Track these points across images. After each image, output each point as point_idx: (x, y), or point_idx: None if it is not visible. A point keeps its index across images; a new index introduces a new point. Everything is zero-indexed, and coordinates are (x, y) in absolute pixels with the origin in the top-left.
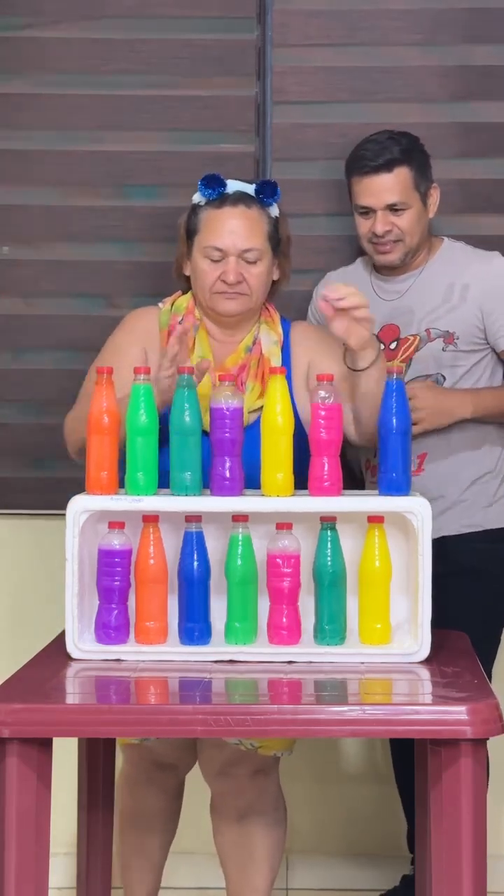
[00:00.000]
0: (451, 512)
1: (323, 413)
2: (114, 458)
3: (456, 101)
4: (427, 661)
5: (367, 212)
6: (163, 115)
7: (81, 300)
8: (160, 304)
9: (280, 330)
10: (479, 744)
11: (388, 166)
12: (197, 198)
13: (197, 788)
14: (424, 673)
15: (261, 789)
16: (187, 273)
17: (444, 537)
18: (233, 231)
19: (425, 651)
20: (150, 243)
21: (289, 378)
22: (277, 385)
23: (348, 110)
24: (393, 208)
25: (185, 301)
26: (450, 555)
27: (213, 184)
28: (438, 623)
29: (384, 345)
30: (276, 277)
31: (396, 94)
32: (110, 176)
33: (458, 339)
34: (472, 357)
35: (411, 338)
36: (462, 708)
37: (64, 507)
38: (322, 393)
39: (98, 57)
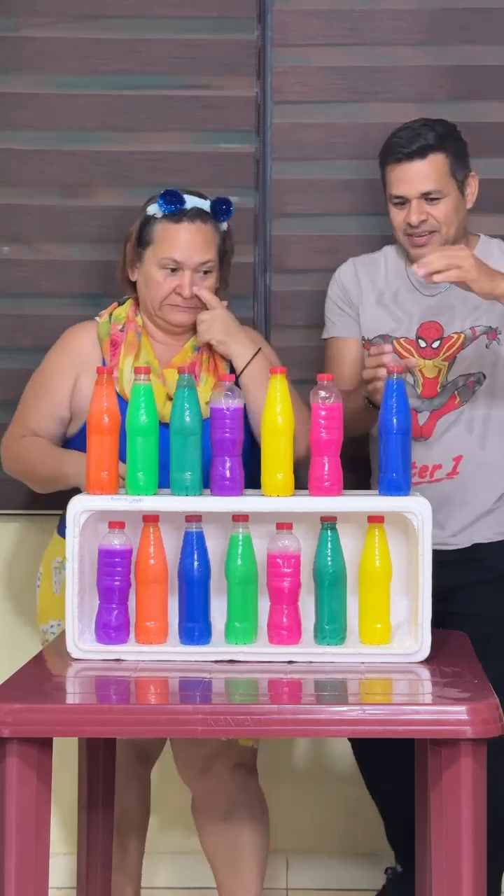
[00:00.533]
0: (487, 518)
1: (323, 413)
2: (114, 458)
3: (456, 101)
4: (427, 661)
5: (402, 202)
6: (163, 115)
7: (81, 300)
8: (97, 318)
9: None
10: (479, 744)
11: (421, 153)
12: (154, 210)
13: (181, 787)
14: (424, 673)
15: (243, 785)
16: (133, 279)
17: (476, 544)
18: (190, 245)
19: (425, 651)
20: None
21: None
22: (277, 385)
23: (348, 110)
24: (428, 197)
25: (123, 311)
26: (484, 561)
27: (173, 200)
28: (471, 630)
29: (426, 342)
30: (218, 286)
31: (396, 94)
32: (110, 176)
33: (500, 333)
34: None
35: (455, 336)
36: (462, 708)
37: (64, 507)
38: (322, 393)
39: (98, 57)
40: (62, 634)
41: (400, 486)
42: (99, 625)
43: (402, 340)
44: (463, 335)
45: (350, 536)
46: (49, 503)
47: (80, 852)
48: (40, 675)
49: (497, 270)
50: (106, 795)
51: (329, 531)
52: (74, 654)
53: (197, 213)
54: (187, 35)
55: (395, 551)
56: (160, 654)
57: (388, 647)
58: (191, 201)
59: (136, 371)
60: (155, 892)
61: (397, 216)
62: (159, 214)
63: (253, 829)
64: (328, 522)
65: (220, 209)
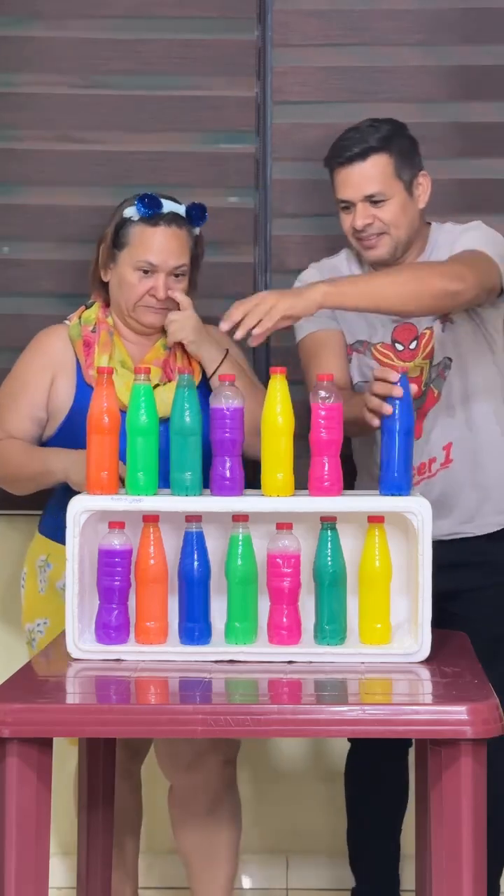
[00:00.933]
0: (497, 498)
1: (323, 413)
2: (114, 458)
3: (456, 101)
4: (427, 661)
5: (347, 205)
6: (163, 115)
7: (81, 300)
8: (66, 321)
9: None
10: (479, 744)
11: (362, 155)
12: (130, 212)
13: (163, 788)
14: (424, 673)
15: (228, 781)
16: (106, 279)
17: (491, 536)
18: (165, 249)
19: (425, 651)
20: None
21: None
22: (277, 385)
23: (348, 110)
24: (372, 199)
25: (92, 313)
26: (498, 563)
27: (151, 204)
28: (481, 632)
29: (403, 346)
30: (188, 288)
31: (396, 94)
32: (110, 176)
33: (451, 313)
34: (466, 325)
35: (427, 331)
36: (462, 708)
37: (41, 507)
38: (322, 393)
39: (98, 57)
40: (61, 634)
41: (401, 486)
42: (99, 625)
43: (379, 346)
44: (432, 329)
45: (350, 536)
46: (26, 503)
47: (80, 852)
48: (40, 675)
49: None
50: (106, 795)
51: (329, 531)
52: (74, 654)
53: (173, 218)
54: (187, 35)
55: (395, 551)
56: (160, 654)
57: (388, 647)
58: (167, 206)
59: (136, 371)
60: (152, 891)
61: (345, 220)
62: (136, 217)
63: (230, 826)
64: (328, 522)
65: (195, 214)
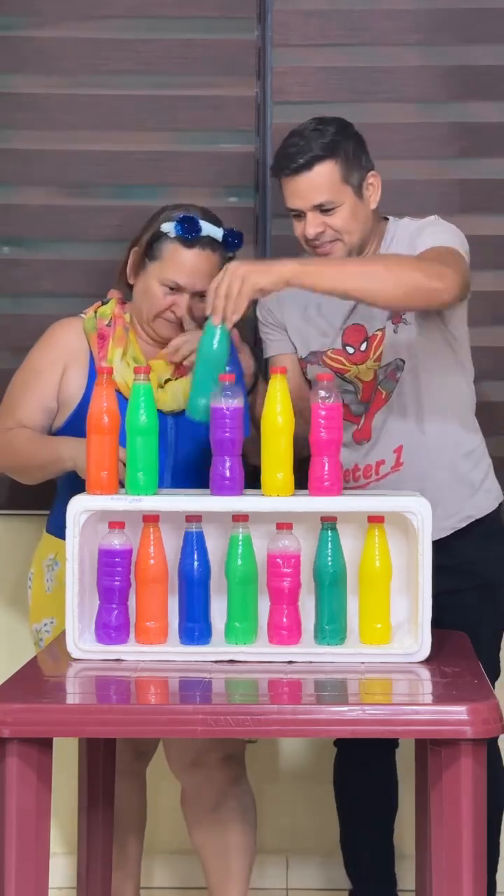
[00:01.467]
0: (448, 503)
1: (323, 413)
2: (114, 457)
3: (456, 101)
4: (427, 661)
5: (298, 214)
6: (163, 115)
7: (81, 300)
8: (82, 315)
9: None
10: (479, 744)
11: (308, 165)
12: (168, 228)
13: (178, 786)
14: (424, 673)
15: (233, 777)
16: (132, 283)
17: (450, 540)
18: (195, 272)
19: (425, 651)
20: None
21: None
22: (277, 385)
23: (348, 110)
24: (322, 208)
25: (108, 309)
26: (470, 567)
27: (191, 228)
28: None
29: (353, 348)
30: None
31: (396, 94)
32: (110, 176)
33: (404, 314)
34: (425, 330)
35: (379, 333)
36: (462, 708)
37: (49, 506)
38: (322, 393)
39: (98, 57)
40: (61, 635)
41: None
42: (99, 625)
43: (330, 353)
44: (383, 330)
45: (350, 536)
46: (34, 503)
47: (80, 852)
48: (40, 675)
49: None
50: (106, 795)
51: (329, 531)
52: (74, 654)
53: (208, 242)
54: (187, 35)
55: (395, 551)
56: (160, 654)
57: (388, 647)
58: (206, 229)
59: (136, 371)
60: (153, 892)
61: (297, 227)
62: (172, 234)
63: (242, 821)
64: (328, 522)
65: (232, 242)
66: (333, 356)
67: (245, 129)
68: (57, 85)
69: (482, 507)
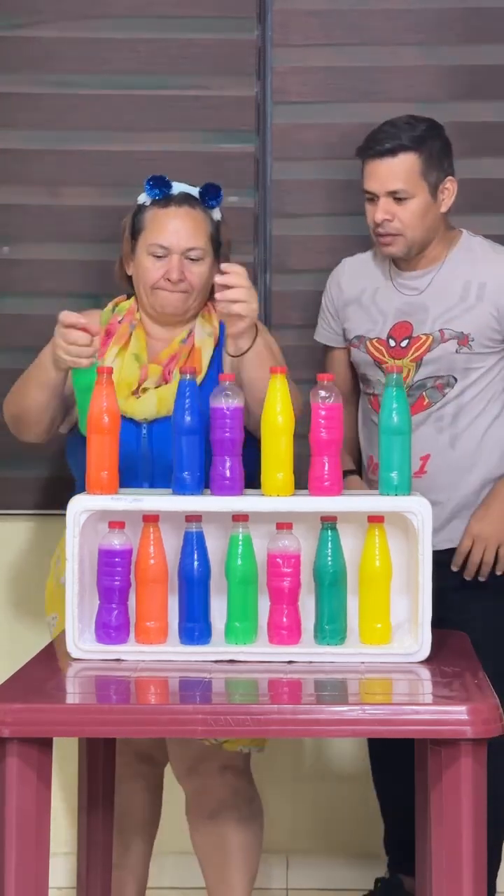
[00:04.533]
0: (457, 521)
1: (323, 413)
2: (114, 457)
3: (456, 101)
4: (427, 661)
5: (372, 197)
6: (163, 115)
7: (81, 300)
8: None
9: (216, 324)
10: (479, 744)
11: (392, 151)
12: (143, 198)
13: (181, 789)
14: (424, 673)
15: (232, 786)
16: (130, 272)
17: (452, 549)
18: (177, 230)
19: (425, 651)
20: None
21: (215, 370)
22: (278, 385)
23: (348, 110)
24: (395, 196)
25: (127, 304)
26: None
27: (159, 184)
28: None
29: (395, 342)
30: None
31: (396, 94)
32: (110, 176)
33: (472, 340)
34: (486, 360)
35: (424, 337)
36: (462, 708)
37: (63, 506)
38: (322, 393)
39: (98, 57)
40: (62, 634)
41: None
42: (99, 625)
43: (374, 341)
44: (431, 337)
45: (350, 536)
46: (50, 503)
47: (80, 852)
48: (40, 675)
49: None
50: (106, 795)
51: (329, 531)
52: (74, 654)
53: (185, 198)
54: (187, 35)
55: (395, 551)
56: (160, 654)
57: (388, 647)
58: (178, 187)
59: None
60: (162, 892)
61: (369, 211)
62: (148, 202)
63: (240, 831)
64: (328, 522)
65: (209, 194)
66: (377, 345)
67: (245, 129)
68: (57, 85)
69: None
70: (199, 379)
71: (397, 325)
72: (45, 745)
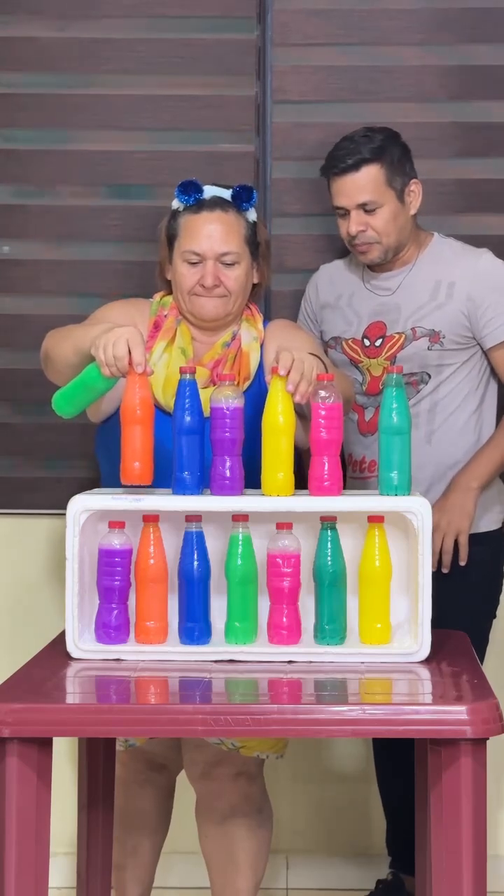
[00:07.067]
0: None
1: (323, 413)
2: (147, 449)
3: (456, 101)
4: (427, 661)
5: (343, 213)
6: (163, 115)
7: (81, 300)
8: (152, 298)
9: (261, 327)
10: (479, 744)
11: (355, 166)
12: (175, 204)
13: (191, 789)
14: (424, 673)
15: (243, 792)
16: (168, 277)
17: None
18: (210, 235)
19: (425, 651)
20: (150, 243)
21: (262, 373)
22: (278, 385)
23: (348, 110)
24: (365, 208)
25: (170, 299)
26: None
27: (189, 189)
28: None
29: (369, 341)
30: (255, 280)
31: (396, 94)
32: (110, 176)
33: (443, 338)
34: (458, 356)
35: (396, 336)
36: (462, 708)
37: (63, 506)
38: (322, 393)
39: (98, 57)
40: (61, 634)
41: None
42: (99, 625)
43: (349, 341)
44: (403, 335)
45: (350, 536)
46: (50, 503)
47: (80, 852)
48: (40, 675)
49: (452, 494)
50: (106, 795)
51: (329, 531)
52: (74, 653)
53: (216, 202)
54: (187, 35)
55: (395, 551)
56: (160, 653)
57: (388, 646)
58: (209, 190)
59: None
60: (168, 891)
61: (342, 225)
62: (181, 208)
63: (248, 837)
64: (328, 522)
65: (242, 196)
66: (352, 345)
67: (245, 128)
68: (57, 85)
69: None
70: (246, 384)
71: (371, 325)
72: (45, 745)
